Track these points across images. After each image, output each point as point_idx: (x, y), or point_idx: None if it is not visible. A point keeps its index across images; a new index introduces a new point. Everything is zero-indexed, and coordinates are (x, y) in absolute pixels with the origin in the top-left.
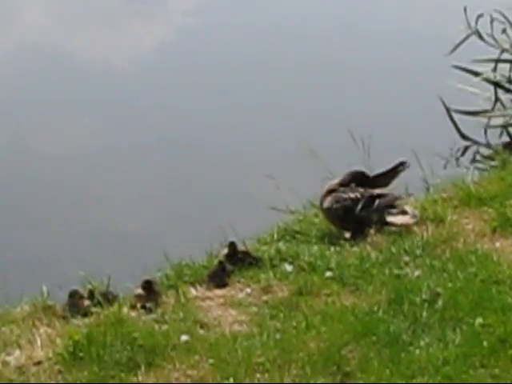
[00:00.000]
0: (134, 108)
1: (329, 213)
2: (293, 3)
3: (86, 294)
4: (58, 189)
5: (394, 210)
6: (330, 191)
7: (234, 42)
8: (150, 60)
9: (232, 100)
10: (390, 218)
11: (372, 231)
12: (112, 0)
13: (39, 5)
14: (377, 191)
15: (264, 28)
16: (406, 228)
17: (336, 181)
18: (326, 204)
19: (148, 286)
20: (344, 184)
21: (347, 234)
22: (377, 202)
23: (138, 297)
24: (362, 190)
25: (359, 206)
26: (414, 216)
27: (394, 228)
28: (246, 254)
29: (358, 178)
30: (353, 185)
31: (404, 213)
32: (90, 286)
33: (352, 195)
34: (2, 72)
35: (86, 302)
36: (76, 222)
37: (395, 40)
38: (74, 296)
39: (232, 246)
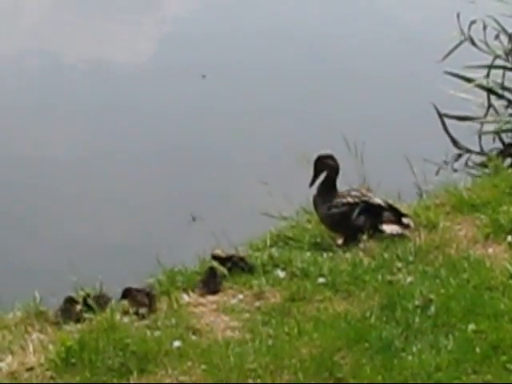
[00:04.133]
0: (123, 115)
1: (325, 217)
2: (287, 8)
3: (79, 300)
4: (51, 195)
5: (388, 218)
6: (325, 193)
7: (226, 47)
8: (141, 65)
9: (224, 106)
10: (383, 227)
11: (364, 237)
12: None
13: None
14: (376, 200)
15: (258, 33)
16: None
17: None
18: (323, 209)
19: (129, 293)
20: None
21: (340, 241)
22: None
23: (133, 299)
24: (358, 194)
25: (355, 213)
26: (408, 226)
27: (386, 234)
28: (240, 259)
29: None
30: (350, 189)
31: (399, 222)
32: (82, 292)
33: (350, 200)
34: None
35: (79, 308)
36: (68, 227)
37: (388, 46)
38: (68, 302)
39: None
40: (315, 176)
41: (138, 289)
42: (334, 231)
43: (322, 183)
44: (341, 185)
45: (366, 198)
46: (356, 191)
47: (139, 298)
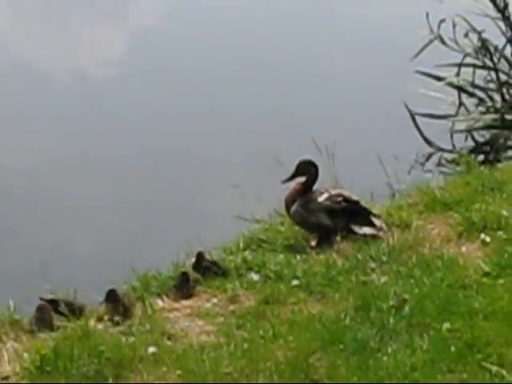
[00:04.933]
0: (95, 120)
1: (296, 216)
2: (261, 13)
3: (52, 307)
4: (24, 201)
5: (361, 220)
6: (296, 193)
7: (200, 50)
8: (116, 69)
9: (195, 109)
10: (355, 228)
11: (338, 238)
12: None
13: None
14: (345, 193)
15: (230, 37)
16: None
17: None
18: (294, 207)
19: (113, 297)
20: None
21: (313, 242)
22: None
23: (106, 309)
24: (329, 192)
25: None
26: (380, 229)
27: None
28: (213, 263)
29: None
30: (320, 187)
31: (371, 224)
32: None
33: (320, 199)
34: None
35: (53, 316)
36: (42, 234)
37: (358, 47)
38: (41, 310)
39: (200, 256)
40: (293, 177)
41: (124, 292)
42: (307, 230)
43: (299, 185)
44: None
45: (343, 196)
46: (330, 190)
47: (125, 301)
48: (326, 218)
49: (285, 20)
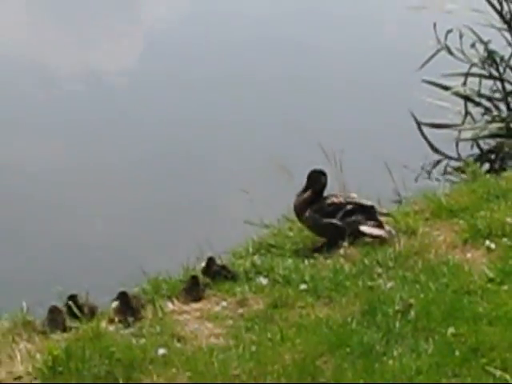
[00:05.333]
0: (110, 125)
1: (309, 220)
2: (268, 21)
3: (64, 309)
4: (37, 205)
5: (370, 222)
6: (307, 201)
7: (210, 57)
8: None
9: (207, 117)
10: (363, 228)
11: (345, 244)
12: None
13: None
14: (359, 201)
15: (241, 45)
16: (380, 240)
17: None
18: (308, 213)
19: (124, 298)
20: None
21: (319, 244)
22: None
23: (116, 311)
24: (340, 196)
25: (339, 215)
26: (389, 232)
27: (366, 239)
28: (223, 267)
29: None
30: (330, 193)
31: (380, 226)
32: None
33: (336, 201)
34: None
35: (65, 317)
36: (54, 238)
37: (367, 56)
38: (53, 311)
39: (210, 260)
40: (306, 189)
41: (134, 295)
42: (319, 233)
43: (309, 193)
44: None
45: (352, 200)
46: (341, 195)
47: (135, 303)
48: (337, 220)
49: (297, 29)
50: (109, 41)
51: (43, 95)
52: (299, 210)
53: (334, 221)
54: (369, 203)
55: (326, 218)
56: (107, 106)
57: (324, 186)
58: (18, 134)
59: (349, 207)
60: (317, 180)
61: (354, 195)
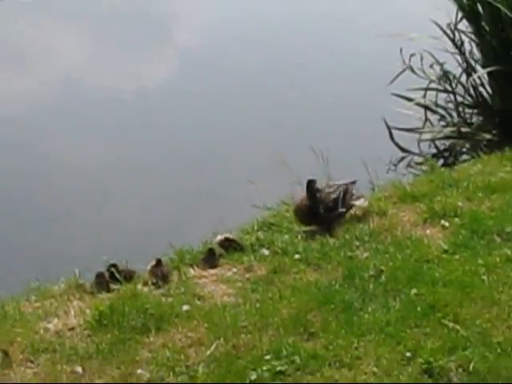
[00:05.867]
0: (140, 128)
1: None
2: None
3: (108, 275)
4: (87, 193)
5: (353, 196)
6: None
7: (217, 65)
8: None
9: (223, 123)
10: (353, 201)
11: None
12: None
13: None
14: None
15: (243, 51)
16: (363, 211)
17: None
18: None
19: (157, 265)
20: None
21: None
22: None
23: (151, 273)
24: (335, 186)
25: (340, 203)
26: (366, 200)
27: (347, 218)
28: (233, 241)
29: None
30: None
31: (359, 198)
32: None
33: (333, 196)
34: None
35: (109, 281)
36: (101, 218)
37: (346, 74)
38: (99, 276)
39: (224, 236)
40: (312, 197)
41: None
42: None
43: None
44: None
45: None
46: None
47: (163, 270)
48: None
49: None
50: (147, 61)
51: (100, 105)
52: (297, 214)
53: (340, 210)
54: (352, 180)
55: (331, 208)
56: (145, 114)
57: (316, 190)
58: (78, 136)
59: (341, 189)
60: (312, 187)
61: (337, 182)
